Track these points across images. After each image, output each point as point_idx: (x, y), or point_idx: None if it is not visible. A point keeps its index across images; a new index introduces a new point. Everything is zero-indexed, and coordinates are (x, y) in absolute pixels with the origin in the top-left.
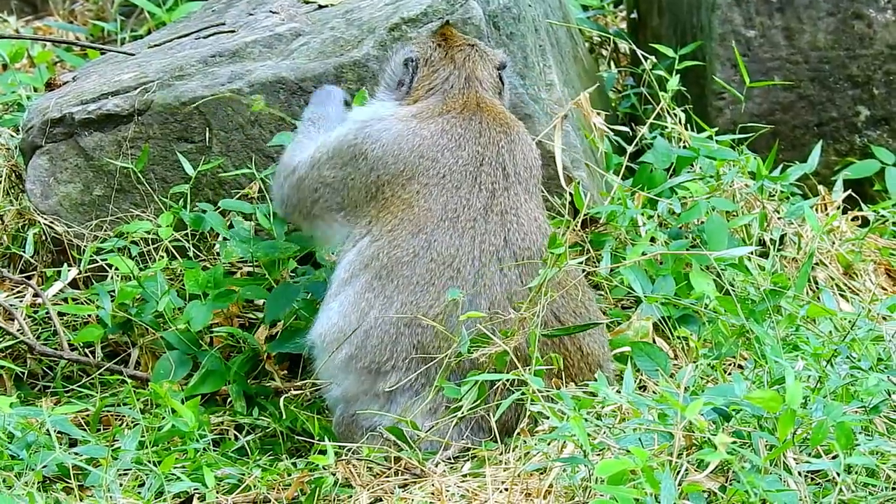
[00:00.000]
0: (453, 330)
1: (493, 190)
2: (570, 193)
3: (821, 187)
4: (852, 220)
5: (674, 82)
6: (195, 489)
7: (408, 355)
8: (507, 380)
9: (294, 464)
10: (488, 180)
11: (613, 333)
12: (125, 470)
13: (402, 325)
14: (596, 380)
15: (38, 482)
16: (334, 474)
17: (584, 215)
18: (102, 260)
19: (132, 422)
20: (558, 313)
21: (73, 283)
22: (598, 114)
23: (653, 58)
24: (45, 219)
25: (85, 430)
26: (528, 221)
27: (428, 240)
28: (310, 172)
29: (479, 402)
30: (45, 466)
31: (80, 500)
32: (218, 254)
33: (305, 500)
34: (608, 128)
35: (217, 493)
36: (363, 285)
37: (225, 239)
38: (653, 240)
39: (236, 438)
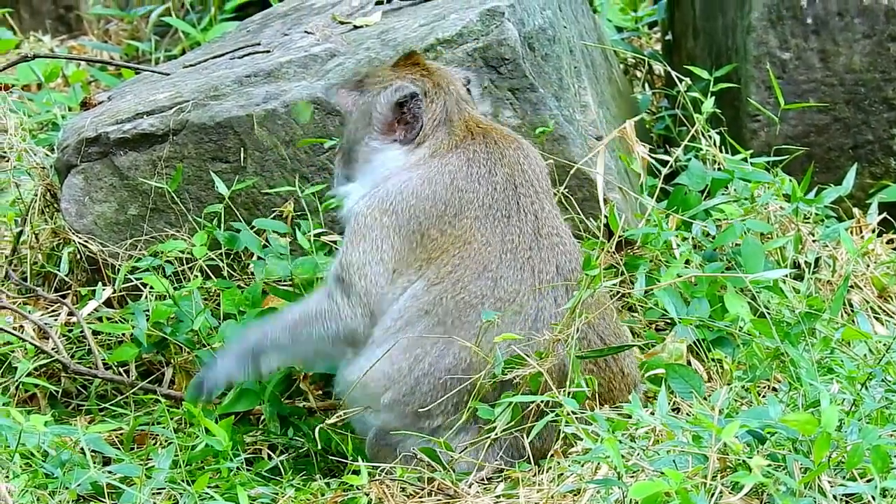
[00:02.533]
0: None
1: (535, 212)
2: (605, 216)
3: (856, 210)
4: (887, 242)
5: (709, 104)
6: None
7: (459, 400)
8: (542, 401)
9: (328, 484)
10: (527, 202)
11: (647, 355)
12: (159, 489)
13: (459, 371)
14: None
15: (73, 501)
16: (368, 495)
17: (619, 237)
18: (137, 279)
19: (166, 441)
20: (603, 335)
21: (108, 303)
22: (643, 144)
23: (688, 80)
24: (80, 238)
25: (119, 448)
26: (569, 240)
27: (494, 278)
28: (356, 272)
29: (513, 423)
30: (79, 485)
31: None
32: (252, 273)
33: None
34: (651, 157)
35: None
36: (421, 332)
37: (260, 258)
38: (687, 262)
39: (270, 458)
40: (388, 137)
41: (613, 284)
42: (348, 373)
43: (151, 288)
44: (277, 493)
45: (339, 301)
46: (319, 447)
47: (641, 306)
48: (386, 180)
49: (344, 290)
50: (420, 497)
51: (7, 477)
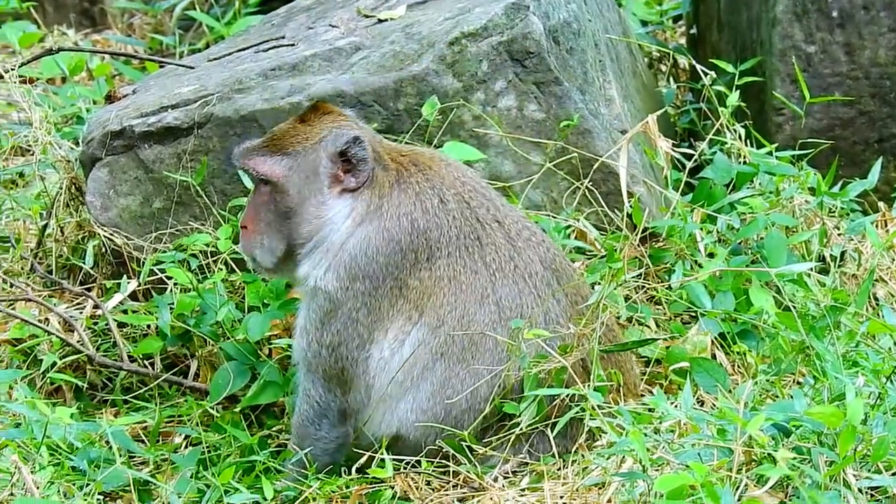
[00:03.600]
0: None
1: (497, 219)
2: (630, 208)
3: (881, 203)
4: None
5: (733, 98)
6: (254, 501)
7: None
8: (567, 395)
9: (353, 477)
10: (486, 214)
11: (669, 342)
12: (185, 482)
13: (497, 393)
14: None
15: (99, 493)
16: (392, 488)
17: (645, 231)
18: (161, 272)
19: (191, 434)
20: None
21: (133, 295)
22: (666, 139)
23: (712, 73)
24: (105, 231)
25: (144, 441)
26: (533, 226)
27: (495, 301)
28: (317, 351)
29: (539, 417)
30: (105, 478)
31: None
32: None
33: None
34: (674, 151)
35: None
36: (442, 374)
37: None
38: (712, 255)
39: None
40: (335, 189)
41: (634, 277)
42: (372, 431)
43: (176, 281)
44: (302, 485)
45: (321, 393)
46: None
47: (666, 299)
48: (343, 242)
49: (319, 378)
50: (445, 490)
51: (33, 469)
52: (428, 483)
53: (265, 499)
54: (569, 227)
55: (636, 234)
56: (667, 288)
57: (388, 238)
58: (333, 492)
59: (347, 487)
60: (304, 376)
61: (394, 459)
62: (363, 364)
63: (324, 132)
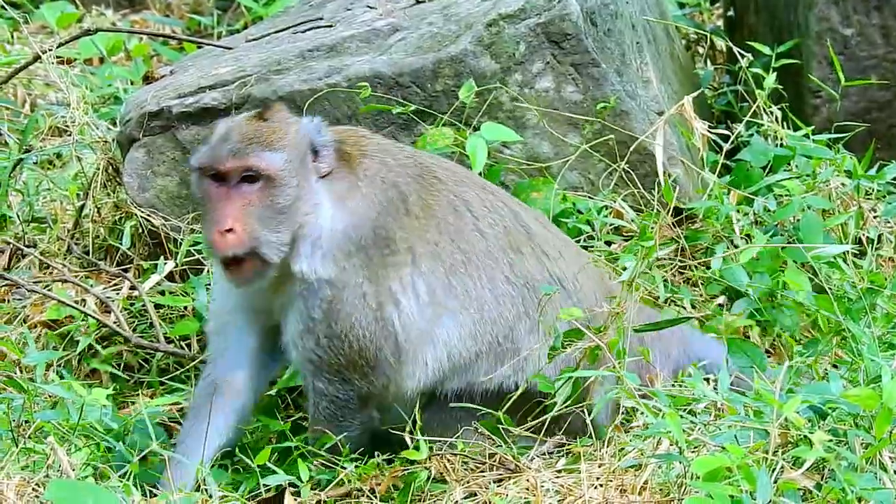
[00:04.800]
0: None
1: (448, 167)
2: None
3: None
4: None
5: (770, 80)
6: (289, 482)
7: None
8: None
9: (388, 459)
10: (446, 175)
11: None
12: (220, 463)
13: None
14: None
15: (135, 474)
16: (428, 469)
17: (681, 213)
18: (198, 253)
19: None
20: None
21: (170, 276)
22: (701, 120)
23: (749, 55)
24: (142, 211)
25: (180, 423)
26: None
27: (473, 218)
28: (327, 345)
29: (574, 397)
30: (141, 459)
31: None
32: None
33: (398, 494)
34: (710, 132)
35: (310, 487)
36: (463, 285)
37: None
38: (748, 237)
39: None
40: (314, 177)
41: (670, 257)
42: (414, 384)
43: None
44: (337, 468)
45: (336, 387)
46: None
47: (703, 280)
48: (331, 227)
49: (331, 373)
50: (481, 471)
51: (69, 451)
52: (465, 464)
53: (300, 481)
54: (605, 207)
55: (667, 212)
56: (705, 268)
57: (368, 205)
58: (368, 473)
59: (382, 470)
60: (314, 377)
61: (429, 441)
62: (383, 330)
63: (293, 125)
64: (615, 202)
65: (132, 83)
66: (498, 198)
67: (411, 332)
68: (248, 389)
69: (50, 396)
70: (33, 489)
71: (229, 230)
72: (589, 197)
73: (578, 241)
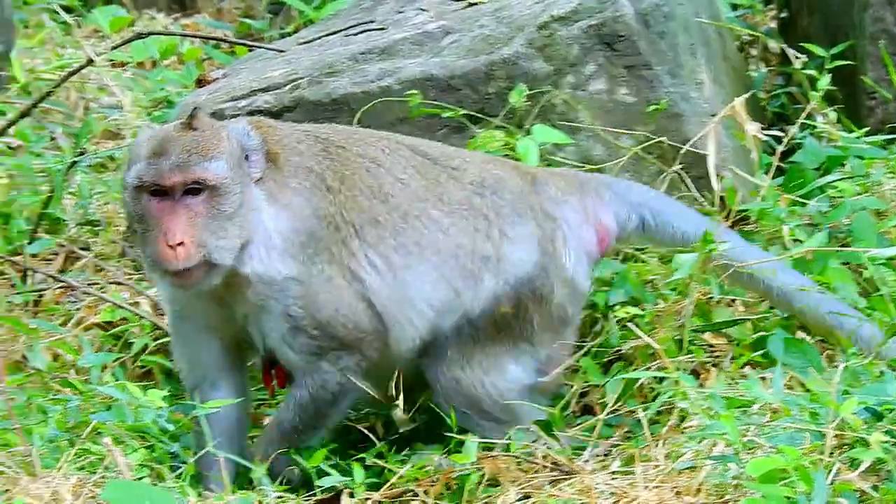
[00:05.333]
0: None
1: (358, 138)
2: (721, 190)
3: None
4: None
5: (824, 81)
6: (344, 484)
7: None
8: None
9: (441, 460)
10: (344, 139)
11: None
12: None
13: None
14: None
15: (191, 475)
16: (480, 470)
17: (735, 215)
18: None
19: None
20: None
21: None
22: (754, 122)
23: (803, 57)
24: None
25: None
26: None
27: (381, 166)
28: (319, 333)
29: (625, 397)
30: (196, 459)
31: (232, 493)
32: None
33: (451, 496)
34: (762, 134)
35: (365, 488)
36: (424, 231)
37: None
38: (798, 240)
39: (384, 435)
40: (250, 182)
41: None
42: (408, 344)
43: None
44: (391, 469)
45: (337, 365)
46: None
47: None
48: (276, 226)
49: (330, 354)
50: (535, 472)
51: (125, 451)
52: (518, 464)
53: (355, 482)
54: None
55: (726, 214)
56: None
57: (300, 197)
58: (421, 475)
59: (435, 471)
60: (309, 366)
61: (483, 442)
62: (361, 302)
63: (224, 131)
64: None
65: (184, 87)
66: (391, 140)
67: (385, 301)
68: (238, 394)
69: (105, 398)
70: (90, 490)
71: (180, 244)
72: None
73: None
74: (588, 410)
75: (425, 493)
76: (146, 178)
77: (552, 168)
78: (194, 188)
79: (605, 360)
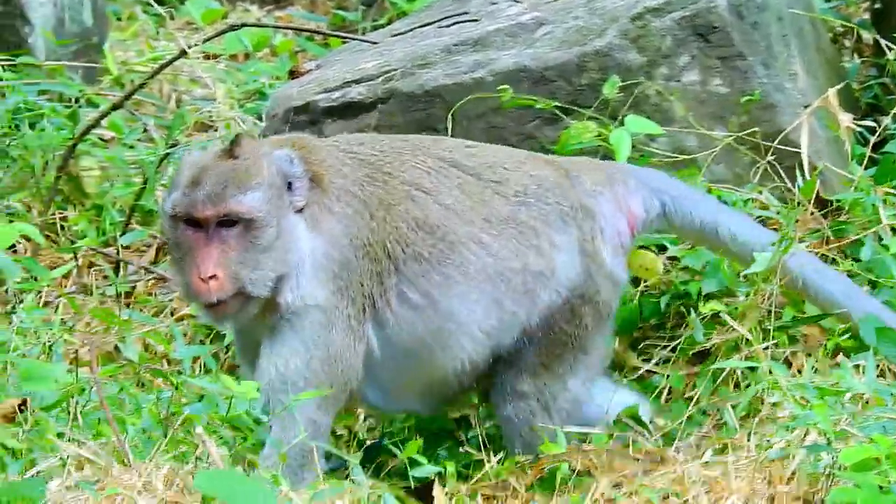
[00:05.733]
0: None
1: (402, 160)
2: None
3: None
4: None
5: None
6: (436, 474)
7: None
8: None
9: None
10: (390, 165)
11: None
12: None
13: None
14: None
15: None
16: (570, 462)
17: (827, 206)
18: None
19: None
20: None
21: None
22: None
23: None
24: None
25: None
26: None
27: (425, 192)
28: (317, 369)
29: (715, 389)
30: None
31: (324, 482)
32: None
33: (542, 486)
34: (855, 125)
35: (456, 478)
36: (445, 279)
37: None
38: (894, 230)
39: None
40: (291, 211)
41: (811, 247)
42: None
43: None
44: (482, 461)
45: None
46: None
47: (849, 273)
48: (312, 255)
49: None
50: (626, 463)
51: (218, 441)
52: (609, 455)
53: (447, 472)
54: (751, 199)
55: (810, 203)
56: (854, 260)
57: (340, 223)
58: (513, 466)
59: (524, 469)
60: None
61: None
62: (361, 344)
63: (265, 159)
64: (761, 194)
65: (277, 78)
66: (430, 154)
67: (404, 333)
68: None
69: (198, 389)
70: (181, 479)
71: (212, 277)
72: (735, 190)
73: None
74: (677, 401)
75: (517, 481)
76: (179, 208)
77: (575, 158)
78: (228, 220)
79: (690, 354)
